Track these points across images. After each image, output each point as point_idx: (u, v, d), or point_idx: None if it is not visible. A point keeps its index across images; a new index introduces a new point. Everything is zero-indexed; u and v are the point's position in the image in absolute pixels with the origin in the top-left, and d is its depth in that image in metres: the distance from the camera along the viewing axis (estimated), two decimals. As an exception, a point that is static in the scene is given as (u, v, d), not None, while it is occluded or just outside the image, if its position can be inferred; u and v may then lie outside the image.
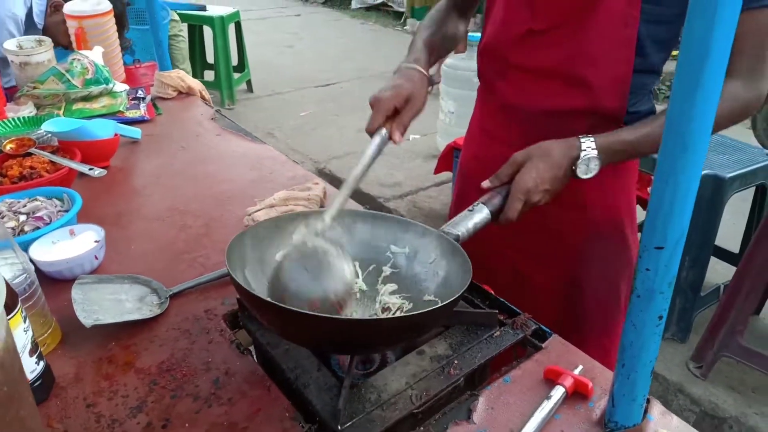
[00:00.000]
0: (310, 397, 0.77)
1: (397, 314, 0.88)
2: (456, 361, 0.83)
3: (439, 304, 0.74)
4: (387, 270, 0.94)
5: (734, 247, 2.51)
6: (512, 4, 1.03)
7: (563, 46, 0.98)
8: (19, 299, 0.74)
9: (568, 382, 0.78)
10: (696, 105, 0.51)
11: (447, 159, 2.80)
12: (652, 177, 0.62)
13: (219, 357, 0.86)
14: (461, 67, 3.52)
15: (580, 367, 0.81)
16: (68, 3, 1.98)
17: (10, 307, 0.71)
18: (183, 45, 4.31)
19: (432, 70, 1.07)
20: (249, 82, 5.23)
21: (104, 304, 0.94)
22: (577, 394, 0.78)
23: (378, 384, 0.79)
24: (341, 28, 7.93)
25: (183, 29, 4.33)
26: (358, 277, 0.93)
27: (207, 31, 4.86)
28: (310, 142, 4.12)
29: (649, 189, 2.63)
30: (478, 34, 3.53)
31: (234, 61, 4.92)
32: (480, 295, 0.98)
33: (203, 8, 4.44)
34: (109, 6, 2.04)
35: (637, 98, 1.01)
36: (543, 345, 0.87)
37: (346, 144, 4.00)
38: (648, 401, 0.74)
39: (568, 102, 1.01)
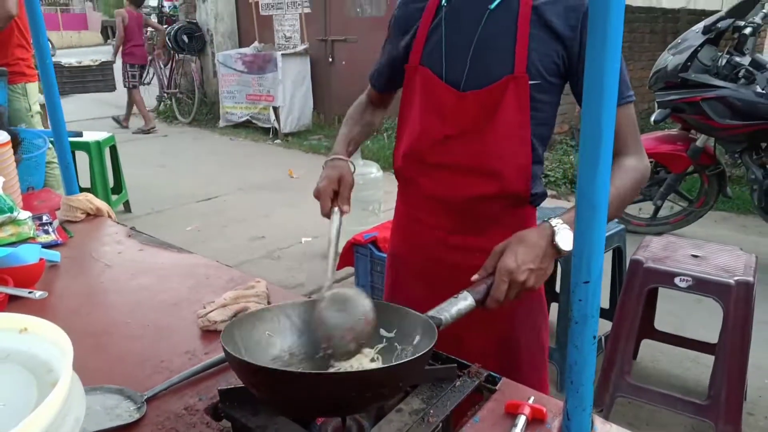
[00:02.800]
0: (312, 465, 0.85)
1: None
2: (431, 411, 0.95)
3: (419, 354, 0.88)
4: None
5: (605, 303, 2.90)
6: (426, 117, 1.29)
7: (474, 146, 1.24)
8: None
9: (527, 411, 0.94)
10: (597, 175, 0.74)
11: (348, 254, 2.98)
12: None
13: (213, 447, 0.92)
14: (345, 171, 3.82)
15: (532, 398, 0.98)
16: (-36, 135, 1.96)
17: None
18: (57, 171, 4.21)
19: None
20: (127, 203, 5.14)
21: (84, 416, 0.95)
22: (535, 420, 0.94)
23: (369, 441, 0.89)
24: (211, 145, 8.07)
25: (56, 156, 4.24)
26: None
27: (80, 156, 4.78)
28: (204, 254, 4.10)
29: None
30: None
31: (110, 183, 4.84)
32: (433, 356, 1.13)
33: (80, 134, 4.40)
34: (7, 137, 2.05)
35: (534, 183, 1.28)
36: (496, 387, 1.03)
37: (239, 253, 4.04)
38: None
39: (482, 189, 1.25)
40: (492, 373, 1.06)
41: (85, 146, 4.44)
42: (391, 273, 1.51)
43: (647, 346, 2.68)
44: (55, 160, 4.24)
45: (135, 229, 1.93)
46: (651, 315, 2.58)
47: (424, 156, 1.30)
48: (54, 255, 1.64)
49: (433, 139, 1.28)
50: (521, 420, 0.92)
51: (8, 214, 1.83)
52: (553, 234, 1.08)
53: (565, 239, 1.08)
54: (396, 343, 1.03)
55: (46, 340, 0.59)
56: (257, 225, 4.48)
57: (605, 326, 2.65)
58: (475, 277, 1.09)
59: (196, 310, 1.32)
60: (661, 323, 2.67)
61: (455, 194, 1.28)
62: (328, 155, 1.36)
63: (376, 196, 3.90)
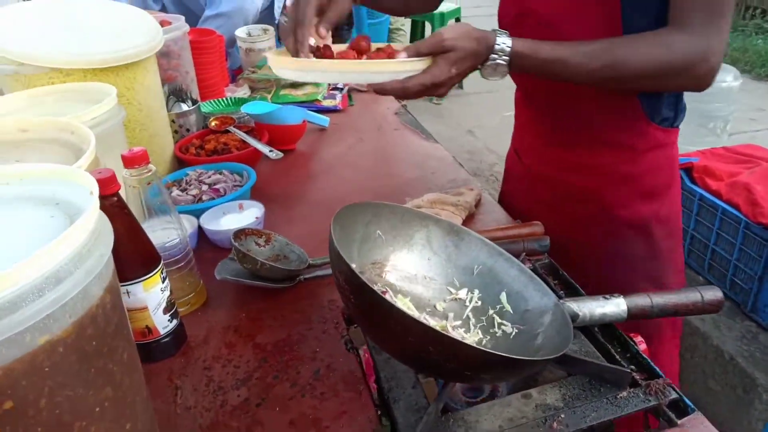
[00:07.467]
0: (396, 414, 0.74)
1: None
2: (563, 416, 0.73)
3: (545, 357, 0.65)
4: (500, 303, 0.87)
5: None
6: None
7: (549, 33, 0.97)
8: (162, 261, 0.83)
9: (697, 477, 0.63)
10: None
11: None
12: None
13: (326, 349, 0.88)
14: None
15: (719, 463, 0.66)
16: (288, -3, 2.19)
17: (149, 268, 0.80)
18: (403, 38, 4.52)
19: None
20: (461, 77, 5.27)
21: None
22: (707, 495, 0.63)
23: (469, 419, 0.73)
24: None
25: (405, 23, 4.54)
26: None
27: (429, 27, 5.01)
28: (507, 142, 4.02)
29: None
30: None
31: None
32: (621, 344, 0.85)
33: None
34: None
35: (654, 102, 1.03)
36: (679, 422, 0.72)
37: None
38: None
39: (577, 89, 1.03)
40: (685, 398, 0.75)
41: (428, 16, 4.60)
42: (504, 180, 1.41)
43: None
44: (404, 27, 4.54)
45: (405, 107, 1.93)
46: None
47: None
48: (323, 120, 1.75)
49: (507, 16, 1.05)
50: (678, 486, 0.63)
51: (309, 75, 2.02)
52: (487, 58, 0.91)
53: (493, 72, 0.92)
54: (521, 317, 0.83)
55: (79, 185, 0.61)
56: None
57: None
58: (402, 55, 0.90)
59: (400, 204, 1.26)
60: None
61: (543, 89, 1.09)
62: None
63: (724, 111, 3.09)
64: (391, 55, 0.93)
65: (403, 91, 0.89)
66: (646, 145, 1.06)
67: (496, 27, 0.94)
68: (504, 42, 0.90)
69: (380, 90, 0.90)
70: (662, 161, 1.09)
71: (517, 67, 0.92)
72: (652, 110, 1.04)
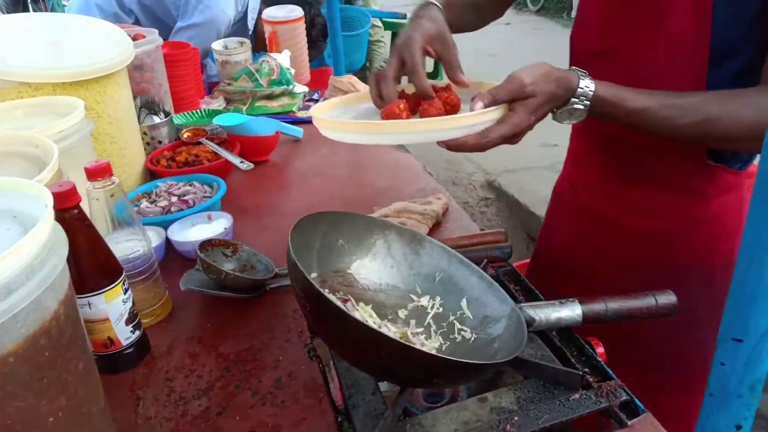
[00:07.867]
0: (355, 420, 0.75)
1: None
2: (516, 418, 0.74)
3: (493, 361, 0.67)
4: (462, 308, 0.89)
5: None
6: (583, 19, 0.99)
7: (630, 69, 0.91)
8: (125, 273, 0.84)
9: (642, 475, 0.65)
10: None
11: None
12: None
13: (289, 358, 0.89)
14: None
15: (665, 461, 0.68)
16: (266, 9, 2.21)
17: (110, 279, 0.81)
18: (383, 50, 4.55)
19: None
20: (442, 89, 5.32)
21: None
22: (651, 492, 0.65)
23: (426, 423, 0.74)
24: (553, 39, 7.65)
25: (385, 36, 4.56)
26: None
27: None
28: (488, 153, 4.04)
29: None
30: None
31: (429, 67, 5.04)
32: (577, 348, 0.87)
33: (403, 16, 4.62)
34: (300, 13, 2.23)
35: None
36: (630, 422, 0.74)
37: (524, 159, 3.85)
38: None
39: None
40: (636, 400, 0.77)
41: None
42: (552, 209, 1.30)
43: None
44: (383, 39, 4.57)
45: (379, 117, 1.95)
46: None
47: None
48: (297, 131, 1.77)
49: (582, 53, 0.97)
50: (623, 484, 0.64)
51: (285, 87, 2.04)
52: (566, 102, 0.83)
53: (568, 116, 0.85)
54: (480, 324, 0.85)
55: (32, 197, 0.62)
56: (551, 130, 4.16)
57: None
58: (479, 105, 0.78)
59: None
60: None
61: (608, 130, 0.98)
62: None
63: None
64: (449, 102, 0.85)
65: (480, 146, 0.80)
66: (718, 189, 0.99)
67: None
68: (587, 85, 0.81)
69: (457, 147, 0.80)
70: (733, 204, 1.01)
71: (596, 113, 0.84)
72: (721, 155, 0.96)
